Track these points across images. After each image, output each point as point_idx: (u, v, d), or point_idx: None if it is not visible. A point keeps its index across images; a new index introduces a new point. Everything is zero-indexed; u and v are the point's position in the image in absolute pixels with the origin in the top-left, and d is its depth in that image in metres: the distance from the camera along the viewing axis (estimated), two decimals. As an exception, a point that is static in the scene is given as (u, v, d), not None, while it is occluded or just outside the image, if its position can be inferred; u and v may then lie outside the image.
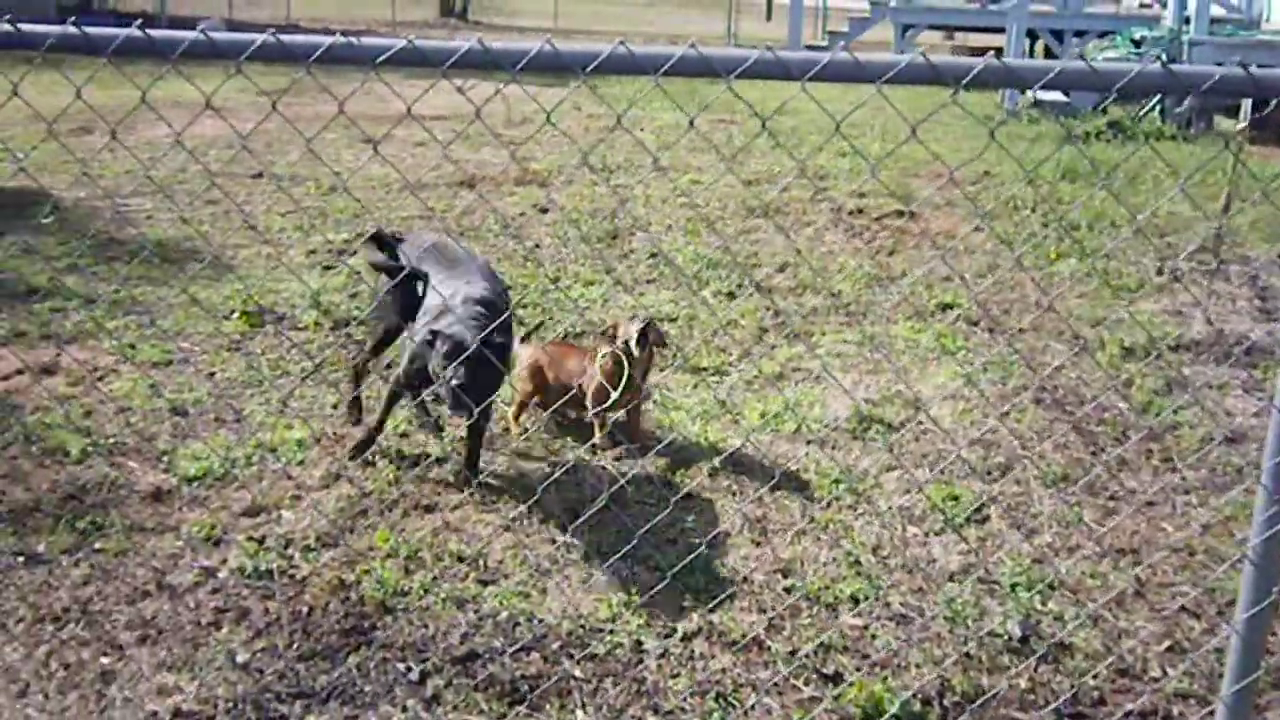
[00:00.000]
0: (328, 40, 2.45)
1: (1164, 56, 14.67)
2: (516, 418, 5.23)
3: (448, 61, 2.43)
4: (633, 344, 4.90)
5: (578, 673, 3.54)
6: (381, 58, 2.43)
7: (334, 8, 34.63)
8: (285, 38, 2.45)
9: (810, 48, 21.83)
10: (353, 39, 2.46)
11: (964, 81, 2.35)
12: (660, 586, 3.89)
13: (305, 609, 3.80)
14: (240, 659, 3.54)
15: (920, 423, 5.40)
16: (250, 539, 4.21)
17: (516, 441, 5.11)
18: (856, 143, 12.61)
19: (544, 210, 9.35)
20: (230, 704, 3.33)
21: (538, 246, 8.35)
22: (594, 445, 5.01)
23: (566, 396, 4.99)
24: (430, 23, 35.55)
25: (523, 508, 4.51)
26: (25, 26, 2.48)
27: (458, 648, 3.64)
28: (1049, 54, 19.87)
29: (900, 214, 9.46)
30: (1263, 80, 2.26)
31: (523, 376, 5.20)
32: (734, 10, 35.10)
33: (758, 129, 13.22)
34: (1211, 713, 2.90)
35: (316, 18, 32.23)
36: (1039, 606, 3.97)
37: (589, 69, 2.42)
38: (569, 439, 5.16)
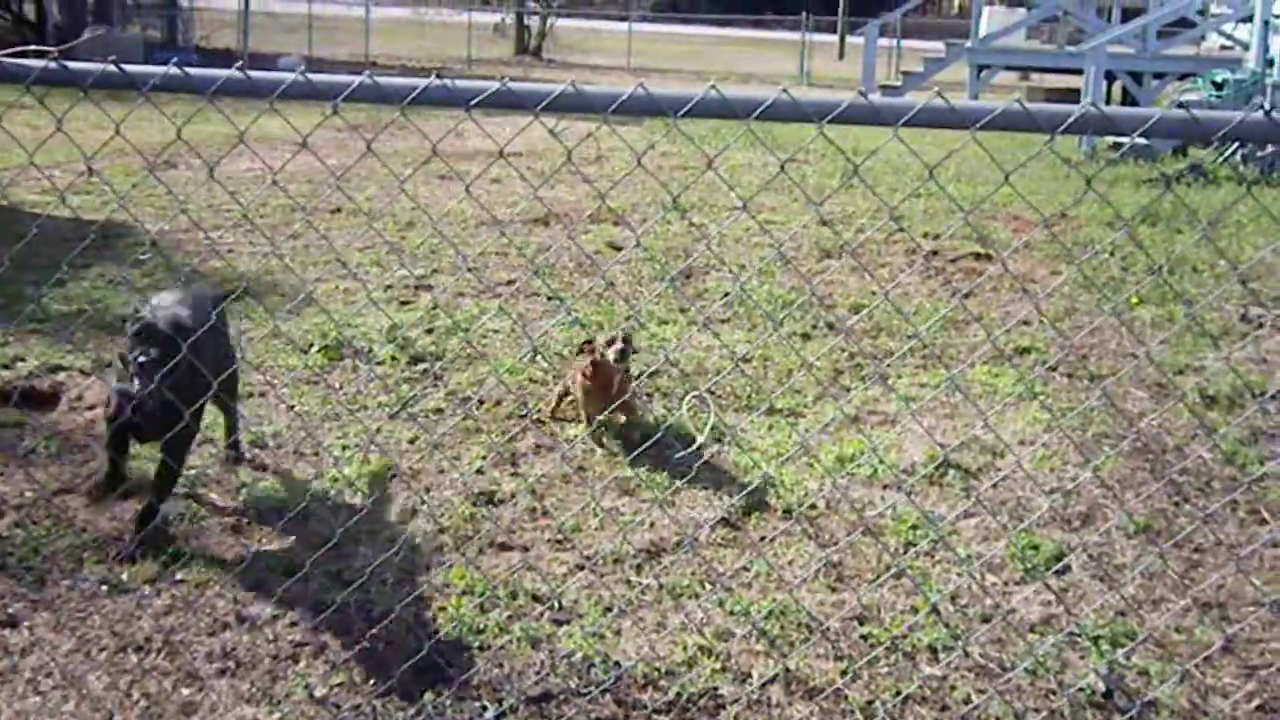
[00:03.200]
0: (423, 82, 2.49)
1: (1249, 99, 14.46)
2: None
3: (540, 104, 2.46)
4: (610, 355, 5.41)
5: (653, 717, 3.51)
6: (475, 100, 2.46)
7: (411, 46, 35.26)
8: (381, 80, 2.49)
9: (884, 88, 21.79)
10: (447, 81, 2.50)
11: (1060, 129, 2.33)
12: (736, 631, 3.86)
13: (382, 645, 3.81)
14: (318, 693, 3.56)
15: (999, 469, 5.32)
16: (327, 573, 4.24)
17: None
18: (931, 184, 12.53)
19: (618, 248, 9.38)
20: (308, 738, 3.35)
21: (611, 286, 8.38)
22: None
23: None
24: (506, 60, 36.10)
25: (598, 547, 4.50)
26: (130, 68, 2.54)
27: (533, 688, 3.63)
28: (1126, 95, 19.65)
29: (977, 256, 9.39)
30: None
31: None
32: (806, 49, 35.23)
33: (831, 169, 13.29)
34: (1307, 776, 2.81)
35: (393, 55, 32.82)
36: (1123, 661, 3.89)
37: (681, 113, 2.44)
38: (643, 476, 5.16)
